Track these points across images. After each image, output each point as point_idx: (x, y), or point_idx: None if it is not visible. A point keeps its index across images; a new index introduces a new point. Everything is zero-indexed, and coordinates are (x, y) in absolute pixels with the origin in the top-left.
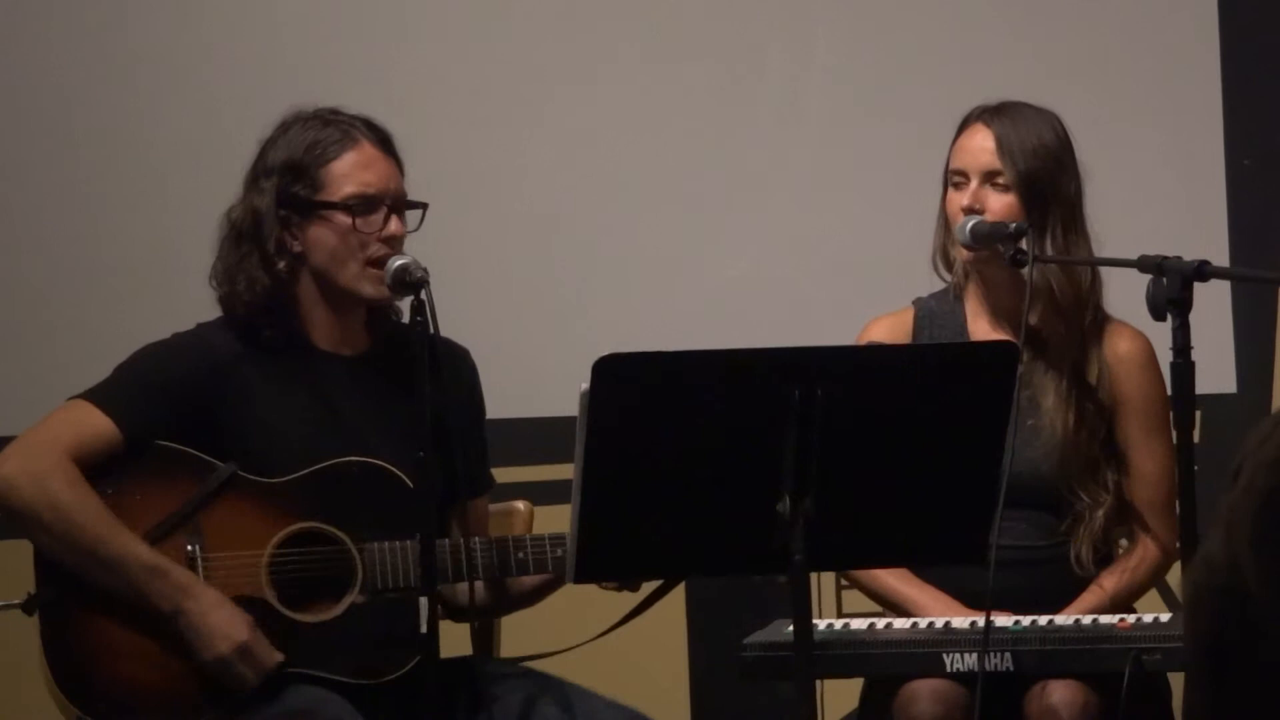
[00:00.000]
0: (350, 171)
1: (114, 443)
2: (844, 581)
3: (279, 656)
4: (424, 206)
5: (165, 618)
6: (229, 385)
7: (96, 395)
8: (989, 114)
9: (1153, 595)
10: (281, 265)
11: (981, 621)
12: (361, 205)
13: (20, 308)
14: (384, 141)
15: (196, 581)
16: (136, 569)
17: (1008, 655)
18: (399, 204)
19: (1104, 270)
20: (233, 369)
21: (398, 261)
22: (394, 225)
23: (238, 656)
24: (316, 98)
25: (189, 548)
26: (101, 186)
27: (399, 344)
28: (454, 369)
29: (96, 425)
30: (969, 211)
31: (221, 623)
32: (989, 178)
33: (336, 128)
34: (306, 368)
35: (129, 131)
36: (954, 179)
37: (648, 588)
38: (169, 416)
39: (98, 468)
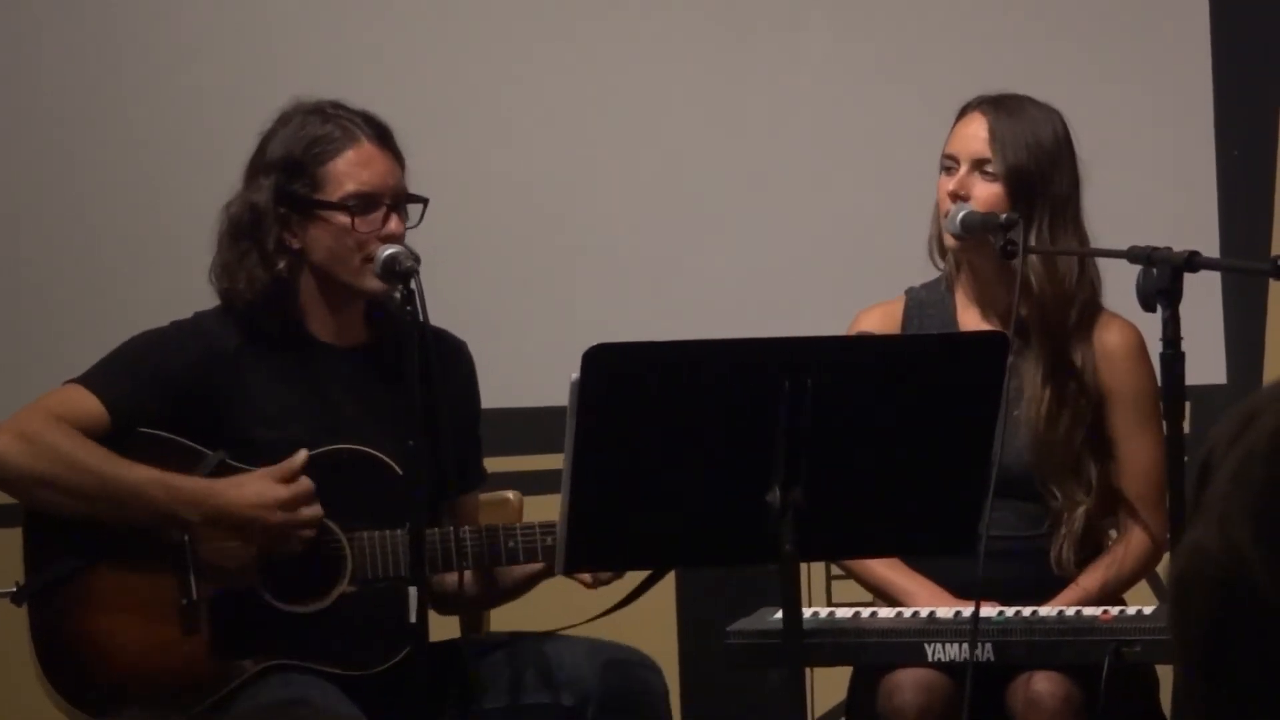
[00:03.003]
0: (349, 170)
1: (101, 425)
2: (834, 571)
3: (308, 483)
4: (424, 201)
5: (193, 529)
6: (226, 375)
7: (88, 379)
8: (988, 104)
9: (1143, 586)
10: (281, 264)
11: (966, 612)
12: (360, 205)
13: (16, 299)
14: (383, 138)
15: (210, 483)
16: (154, 490)
17: (989, 646)
18: (398, 201)
19: (1098, 262)
20: (230, 360)
21: (386, 251)
22: (393, 224)
23: (285, 511)
24: (307, 88)
25: (179, 538)
26: (96, 176)
27: (397, 336)
28: (450, 361)
29: (85, 406)
30: (954, 197)
31: (252, 497)
32: (978, 165)
33: (336, 124)
34: (305, 359)
35: (125, 120)
36: (945, 163)
37: (633, 579)
38: (160, 404)
39: None
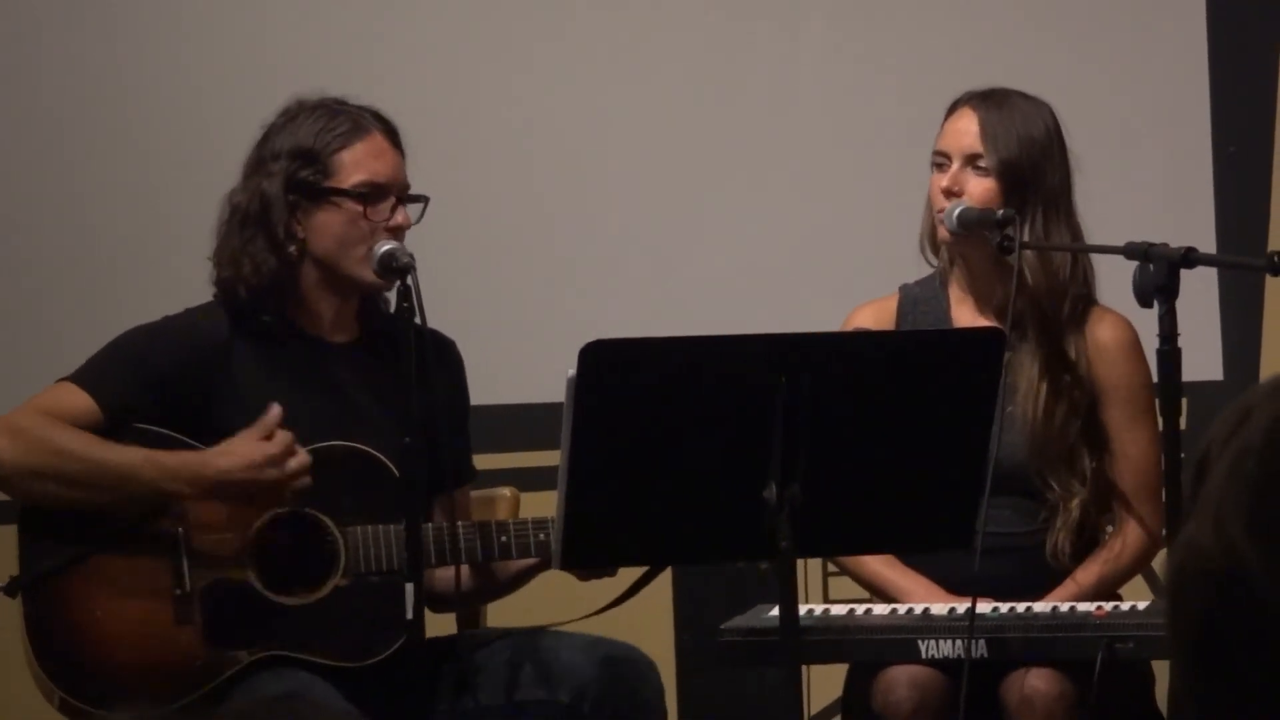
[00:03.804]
0: (361, 160)
1: (94, 421)
2: (831, 568)
3: (288, 435)
4: (425, 200)
5: (186, 513)
6: (218, 370)
7: (79, 376)
8: (977, 99)
9: (1138, 581)
10: (293, 249)
11: (960, 608)
12: (371, 194)
13: (15, 299)
14: (391, 133)
15: (198, 454)
16: (145, 469)
17: (982, 642)
18: (404, 195)
19: (1094, 258)
20: (222, 354)
21: (384, 246)
22: (401, 216)
23: (275, 467)
24: (306, 87)
25: (172, 530)
26: (95, 175)
27: (389, 332)
28: (440, 359)
29: (77, 404)
30: (947, 193)
31: (242, 459)
32: (970, 161)
33: (346, 117)
34: (299, 353)
35: (124, 120)
36: (937, 160)
37: (629, 575)
38: (152, 399)
39: None
